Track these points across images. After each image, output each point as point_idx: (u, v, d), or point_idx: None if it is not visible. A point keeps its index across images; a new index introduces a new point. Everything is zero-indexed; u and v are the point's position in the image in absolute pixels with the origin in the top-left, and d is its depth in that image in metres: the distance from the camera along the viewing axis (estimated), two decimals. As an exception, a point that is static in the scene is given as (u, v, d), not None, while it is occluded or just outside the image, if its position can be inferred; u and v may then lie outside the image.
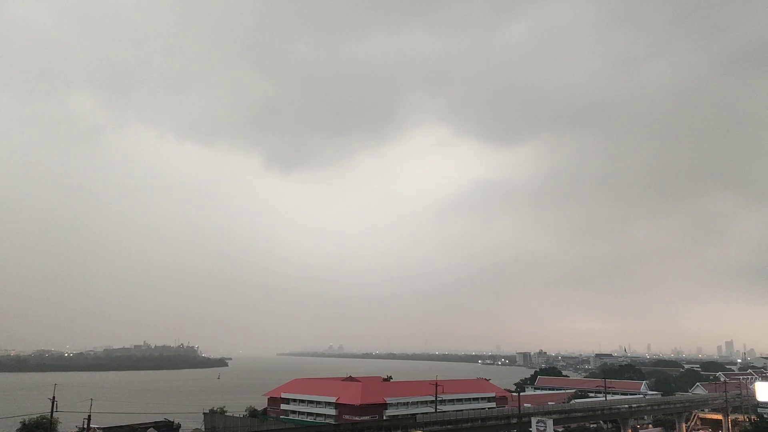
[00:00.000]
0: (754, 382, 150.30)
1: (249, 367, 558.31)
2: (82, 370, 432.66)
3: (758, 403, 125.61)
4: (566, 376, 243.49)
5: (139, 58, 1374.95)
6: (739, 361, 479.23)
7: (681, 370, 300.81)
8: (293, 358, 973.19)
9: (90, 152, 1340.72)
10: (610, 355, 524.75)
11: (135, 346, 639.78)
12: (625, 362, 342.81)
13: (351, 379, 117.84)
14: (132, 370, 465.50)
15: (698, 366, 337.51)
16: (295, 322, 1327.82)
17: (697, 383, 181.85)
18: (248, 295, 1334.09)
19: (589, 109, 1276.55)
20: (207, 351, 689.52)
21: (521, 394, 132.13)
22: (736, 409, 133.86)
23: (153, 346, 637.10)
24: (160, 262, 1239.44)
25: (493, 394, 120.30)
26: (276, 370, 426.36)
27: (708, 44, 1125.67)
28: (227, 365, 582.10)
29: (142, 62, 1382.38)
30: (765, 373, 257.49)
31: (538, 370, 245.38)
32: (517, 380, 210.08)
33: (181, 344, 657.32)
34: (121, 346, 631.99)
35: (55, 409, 73.21)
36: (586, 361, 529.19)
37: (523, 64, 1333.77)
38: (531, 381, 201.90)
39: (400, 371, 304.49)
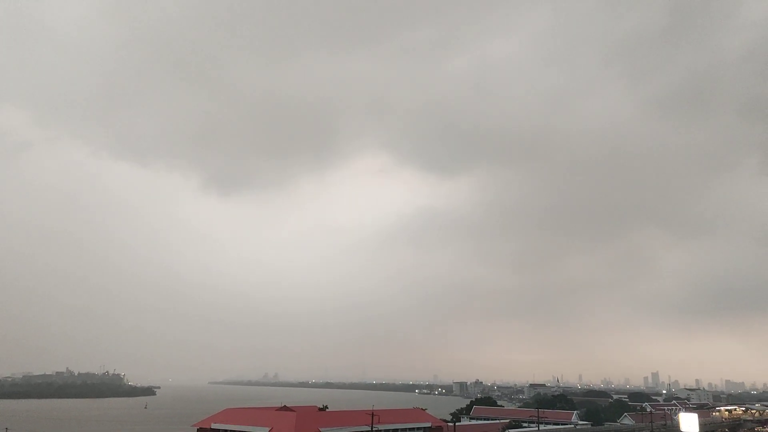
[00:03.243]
0: (678, 413, 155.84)
1: (179, 395, 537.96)
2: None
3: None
4: (501, 405, 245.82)
5: (74, 73, 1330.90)
6: (664, 392, 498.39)
7: (610, 400, 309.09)
8: (226, 387, 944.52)
9: (15, 168, 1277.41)
10: (544, 385, 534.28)
11: (57, 372, 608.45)
12: (557, 392, 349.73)
13: (285, 408, 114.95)
14: (53, 398, 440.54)
15: (626, 396, 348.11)
16: (228, 350, 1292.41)
17: (625, 413, 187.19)
18: (179, 322, 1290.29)
19: (528, 143, 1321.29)
20: (134, 379, 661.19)
21: (457, 424, 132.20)
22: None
23: (76, 373, 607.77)
24: (86, 285, 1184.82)
25: (429, 424, 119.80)
26: (207, 399, 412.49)
27: (635, 87, 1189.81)
28: (155, 394, 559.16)
29: (78, 78, 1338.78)
30: (688, 404, 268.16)
31: (473, 399, 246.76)
32: (453, 410, 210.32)
33: (107, 371, 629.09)
34: (42, 373, 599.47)
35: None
36: (521, 391, 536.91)
37: (464, 97, 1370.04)
38: (467, 411, 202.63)
39: (337, 400, 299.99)
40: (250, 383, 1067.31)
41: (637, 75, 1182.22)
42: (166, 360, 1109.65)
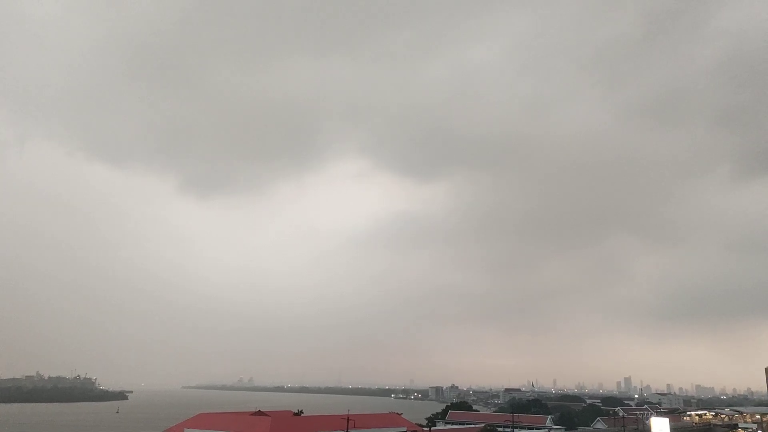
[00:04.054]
0: (650, 417, 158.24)
1: (151, 400, 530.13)
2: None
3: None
4: (477, 410, 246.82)
5: (48, 71, 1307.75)
6: (636, 396, 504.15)
7: (583, 404, 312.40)
8: (200, 391, 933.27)
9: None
10: (519, 390, 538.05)
11: (26, 376, 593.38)
12: (532, 397, 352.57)
13: (260, 413, 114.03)
14: (22, 402, 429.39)
15: (599, 401, 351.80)
16: (203, 354, 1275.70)
17: (598, 418, 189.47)
18: (153, 324, 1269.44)
19: (505, 149, 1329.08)
20: (106, 383, 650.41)
21: (432, 428, 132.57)
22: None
23: (46, 377, 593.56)
24: (57, 285, 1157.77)
25: (404, 429, 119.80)
26: (181, 404, 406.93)
27: (611, 95, 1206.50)
28: (127, 398, 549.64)
29: (53, 76, 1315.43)
30: (660, 409, 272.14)
31: (449, 404, 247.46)
32: (428, 414, 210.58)
33: (78, 375, 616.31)
34: (11, 377, 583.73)
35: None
36: (496, 395, 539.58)
37: (443, 102, 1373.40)
38: (442, 415, 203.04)
39: (312, 405, 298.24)
40: (224, 388, 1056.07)
41: (613, 83, 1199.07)
42: (139, 363, 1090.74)
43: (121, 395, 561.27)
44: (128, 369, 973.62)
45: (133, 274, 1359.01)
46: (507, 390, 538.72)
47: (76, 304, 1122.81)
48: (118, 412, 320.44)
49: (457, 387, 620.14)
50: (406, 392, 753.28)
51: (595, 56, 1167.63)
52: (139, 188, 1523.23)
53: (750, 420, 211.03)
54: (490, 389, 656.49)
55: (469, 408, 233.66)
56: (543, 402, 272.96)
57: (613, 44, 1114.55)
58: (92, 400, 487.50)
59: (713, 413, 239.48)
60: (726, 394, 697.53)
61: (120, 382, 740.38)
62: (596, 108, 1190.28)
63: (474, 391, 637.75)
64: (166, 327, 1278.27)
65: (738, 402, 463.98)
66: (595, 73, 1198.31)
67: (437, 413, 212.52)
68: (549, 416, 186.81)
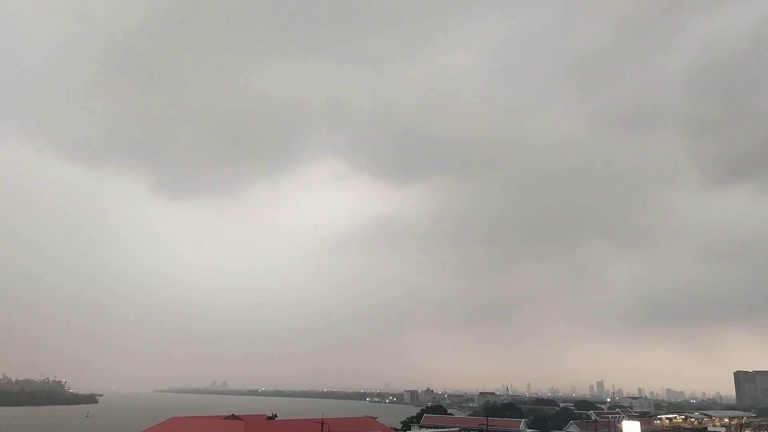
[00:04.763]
0: (621, 420, 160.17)
1: (122, 404, 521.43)
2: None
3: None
4: (451, 414, 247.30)
5: (19, 67, 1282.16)
6: (608, 400, 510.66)
7: (557, 408, 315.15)
8: (172, 395, 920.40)
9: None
10: (493, 394, 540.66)
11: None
12: (506, 400, 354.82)
13: (233, 417, 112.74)
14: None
15: (572, 404, 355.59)
16: (176, 357, 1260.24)
17: (571, 421, 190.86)
18: (124, 326, 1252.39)
19: (481, 154, 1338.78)
20: (76, 386, 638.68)
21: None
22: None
23: (14, 380, 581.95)
24: (26, 283, 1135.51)
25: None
26: (152, 408, 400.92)
27: (585, 102, 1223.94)
28: (98, 402, 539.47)
29: (23, 72, 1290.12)
30: (631, 412, 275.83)
31: (424, 407, 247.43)
32: (403, 418, 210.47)
33: (47, 378, 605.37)
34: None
35: None
36: (471, 399, 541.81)
37: (420, 106, 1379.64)
38: (417, 419, 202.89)
39: (287, 409, 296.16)
40: (197, 391, 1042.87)
41: (586, 91, 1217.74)
42: (110, 366, 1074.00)
43: (91, 398, 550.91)
44: (99, 371, 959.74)
45: (105, 274, 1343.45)
46: (482, 394, 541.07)
47: (45, 303, 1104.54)
48: (87, 416, 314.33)
49: (432, 390, 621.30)
50: (382, 396, 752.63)
51: (570, 64, 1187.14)
52: (112, 188, 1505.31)
53: (719, 423, 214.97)
54: (465, 393, 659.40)
55: (444, 412, 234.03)
56: (517, 406, 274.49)
57: (587, 53, 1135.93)
58: (61, 404, 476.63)
59: (683, 417, 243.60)
60: (696, 398, 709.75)
61: (90, 385, 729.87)
62: (570, 115, 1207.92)
63: (449, 395, 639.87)
64: (138, 329, 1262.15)
65: (707, 406, 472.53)
66: (570, 80, 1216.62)
67: (412, 417, 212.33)
68: (523, 420, 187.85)
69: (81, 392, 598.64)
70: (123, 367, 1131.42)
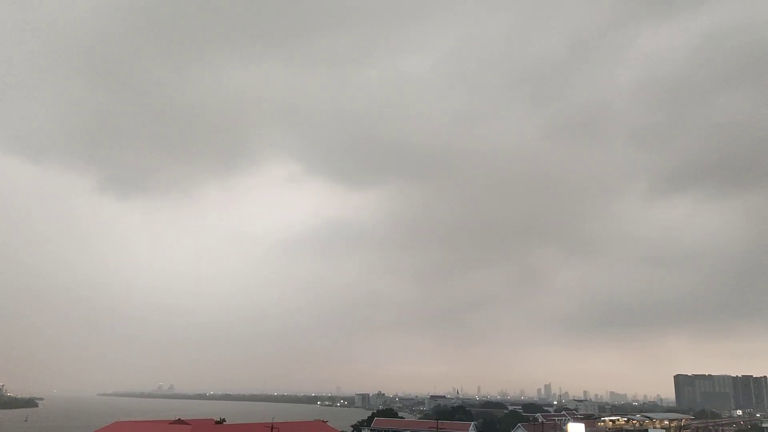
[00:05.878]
0: (567, 423, 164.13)
1: (64, 408, 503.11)
2: None
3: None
4: (402, 417, 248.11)
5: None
6: (555, 403, 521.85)
7: (506, 411, 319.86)
8: (117, 398, 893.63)
9: None
10: (444, 397, 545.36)
11: None
12: (457, 404, 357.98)
13: (180, 422, 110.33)
14: None
15: (520, 407, 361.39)
16: (121, 360, 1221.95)
17: (519, 424, 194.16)
18: (67, 328, 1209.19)
19: (436, 160, 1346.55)
20: (14, 389, 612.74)
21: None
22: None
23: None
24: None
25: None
26: (96, 412, 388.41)
27: (536, 111, 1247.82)
28: (38, 406, 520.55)
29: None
30: (576, 415, 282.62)
31: (375, 411, 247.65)
32: (354, 422, 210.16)
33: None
34: None
35: None
36: (422, 402, 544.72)
37: (376, 110, 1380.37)
38: (368, 422, 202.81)
39: (236, 413, 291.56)
40: (143, 395, 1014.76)
41: (538, 100, 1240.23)
42: (51, 368, 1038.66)
43: (30, 402, 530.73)
44: (39, 374, 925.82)
45: (48, 270, 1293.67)
46: (432, 397, 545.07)
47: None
48: (26, 421, 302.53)
49: (383, 394, 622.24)
50: (333, 399, 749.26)
51: (522, 73, 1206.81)
52: (57, 185, 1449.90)
53: (659, 425, 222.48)
54: (416, 396, 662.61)
55: (395, 415, 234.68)
56: (467, 409, 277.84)
57: (539, 62, 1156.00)
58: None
59: (626, 419, 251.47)
60: (638, 401, 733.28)
61: (30, 389, 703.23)
62: (524, 123, 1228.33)
63: (400, 398, 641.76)
64: (82, 329, 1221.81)
65: (649, 408, 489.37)
66: (524, 89, 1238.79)
67: (363, 420, 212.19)
68: (472, 423, 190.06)
69: (20, 396, 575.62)
70: (65, 369, 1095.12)
